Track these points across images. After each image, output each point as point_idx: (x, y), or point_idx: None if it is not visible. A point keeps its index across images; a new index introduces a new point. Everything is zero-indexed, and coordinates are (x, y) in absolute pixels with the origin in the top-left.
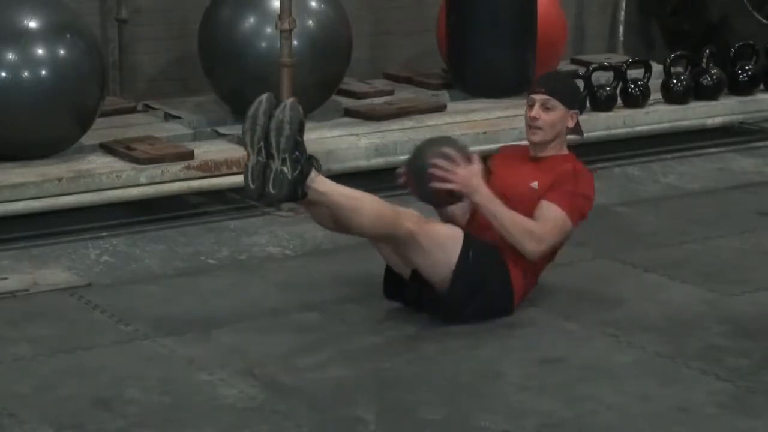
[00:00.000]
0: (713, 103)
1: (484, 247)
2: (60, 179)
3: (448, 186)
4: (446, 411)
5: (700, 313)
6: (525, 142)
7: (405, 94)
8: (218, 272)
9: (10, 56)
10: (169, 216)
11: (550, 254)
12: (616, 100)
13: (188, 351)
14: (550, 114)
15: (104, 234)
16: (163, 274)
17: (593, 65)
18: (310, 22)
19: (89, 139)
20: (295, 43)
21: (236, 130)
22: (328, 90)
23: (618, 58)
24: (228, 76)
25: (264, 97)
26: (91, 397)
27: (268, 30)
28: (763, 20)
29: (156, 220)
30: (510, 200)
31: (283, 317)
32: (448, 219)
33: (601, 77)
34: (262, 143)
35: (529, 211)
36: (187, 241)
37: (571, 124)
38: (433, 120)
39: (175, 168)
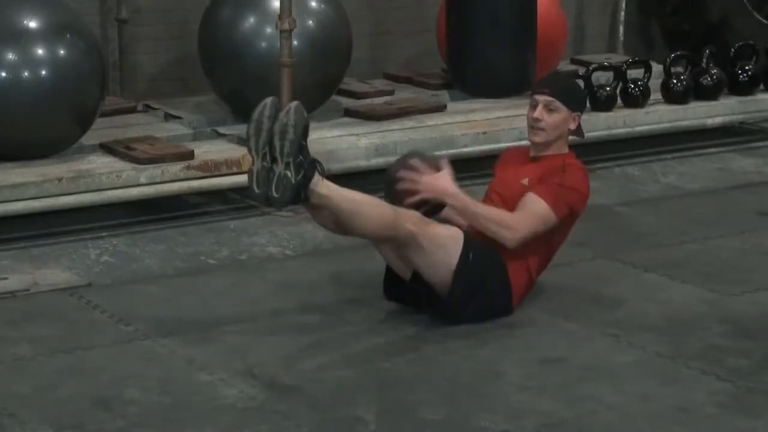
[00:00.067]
0: (713, 103)
1: (484, 248)
2: (60, 179)
3: (417, 196)
4: (446, 411)
5: (700, 313)
6: (525, 143)
7: (405, 94)
8: (218, 272)
9: (10, 56)
10: (169, 216)
11: (545, 252)
12: (616, 100)
13: (188, 351)
14: (553, 116)
15: (104, 234)
16: (163, 274)
17: (593, 65)
18: (310, 22)
19: (89, 139)
20: (295, 43)
21: (236, 130)
22: (328, 90)
23: (618, 58)
24: (228, 76)
25: (268, 101)
26: (91, 397)
27: (268, 30)
28: (763, 20)
29: (156, 220)
30: (505, 199)
31: (283, 317)
32: (446, 221)
33: (601, 77)
34: (267, 148)
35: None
36: (187, 241)
37: (573, 126)
38: (433, 120)
39: (175, 168)
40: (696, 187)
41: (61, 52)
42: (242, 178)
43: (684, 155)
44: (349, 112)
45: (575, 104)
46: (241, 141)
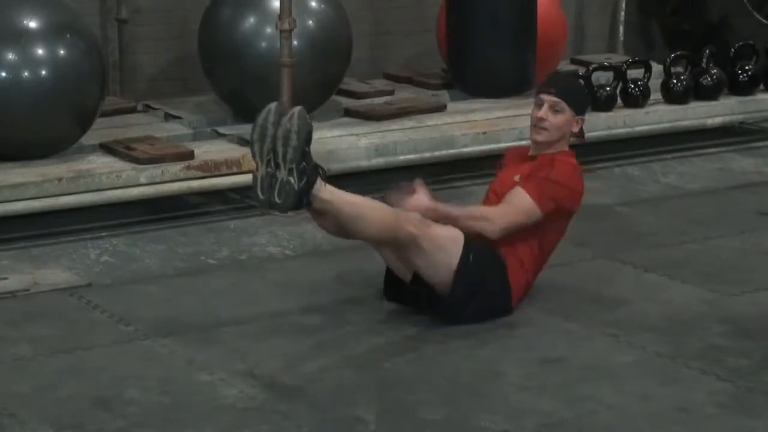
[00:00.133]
0: (713, 103)
1: (484, 248)
2: (60, 179)
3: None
4: (446, 411)
5: (700, 313)
6: (526, 143)
7: (405, 94)
8: (218, 272)
9: (10, 56)
10: (169, 216)
11: (541, 251)
12: (616, 100)
13: (188, 351)
14: (558, 117)
15: (104, 234)
16: (163, 274)
17: (593, 65)
18: (310, 22)
19: (89, 139)
20: (295, 43)
21: (236, 130)
22: (328, 90)
23: (618, 58)
24: (228, 76)
25: (272, 106)
26: (91, 397)
27: (268, 30)
28: (763, 20)
29: (156, 220)
30: (500, 198)
31: (283, 317)
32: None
33: (601, 77)
34: (271, 154)
35: None
36: (187, 241)
37: (575, 129)
38: (433, 120)
39: (175, 168)
40: (696, 187)
41: (61, 52)
42: (242, 178)
43: (684, 155)
44: (349, 112)
45: (580, 107)
46: (242, 141)
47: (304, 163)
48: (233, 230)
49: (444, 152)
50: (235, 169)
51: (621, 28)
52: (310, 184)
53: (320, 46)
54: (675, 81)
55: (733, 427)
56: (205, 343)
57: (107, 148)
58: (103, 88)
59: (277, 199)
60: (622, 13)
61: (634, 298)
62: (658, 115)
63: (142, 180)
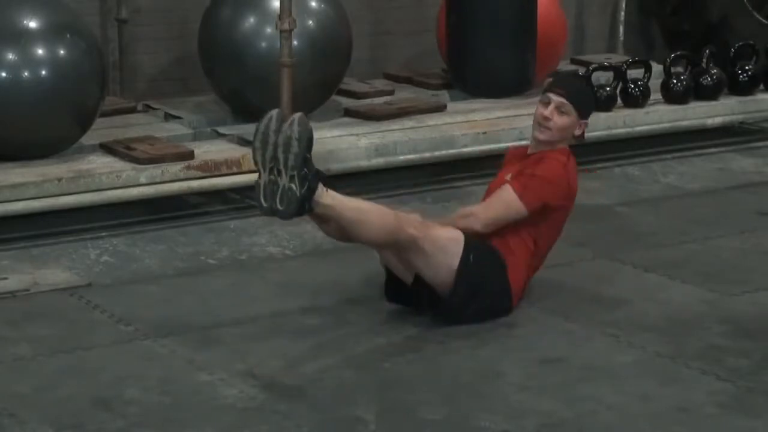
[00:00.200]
0: (713, 103)
1: (484, 249)
2: (60, 179)
3: None
4: (446, 411)
5: (700, 313)
6: (526, 142)
7: (405, 94)
8: (218, 272)
9: (10, 56)
10: (169, 216)
11: (537, 250)
12: (616, 100)
13: (188, 351)
14: (563, 118)
15: (104, 234)
16: (163, 274)
17: (593, 65)
18: (310, 22)
19: (89, 139)
20: (295, 43)
21: (236, 130)
22: (328, 90)
23: (618, 58)
24: (228, 76)
25: (274, 113)
26: (91, 397)
27: (268, 30)
28: (763, 20)
29: (156, 220)
30: (491, 194)
31: (283, 317)
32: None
33: (601, 77)
34: (273, 162)
35: None
36: (187, 241)
37: (578, 132)
38: (433, 120)
39: (175, 168)
40: (696, 187)
41: (61, 52)
42: (242, 178)
43: (684, 155)
44: (349, 112)
45: (586, 111)
46: (242, 141)
47: (305, 170)
48: (233, 230)
49: (444, 152)
50: (235, 169)
51: (621, 28)
52: (312, 191)
53: (320, 46)
54: (675, 81)
55: (733, 427)
56: (205, 343)
57: (107, 148)
58: (103, 88)
59: (279, 206)
60: (622, 13)
61: (634, 298)
62: (658, 115)
63: (142, 180)
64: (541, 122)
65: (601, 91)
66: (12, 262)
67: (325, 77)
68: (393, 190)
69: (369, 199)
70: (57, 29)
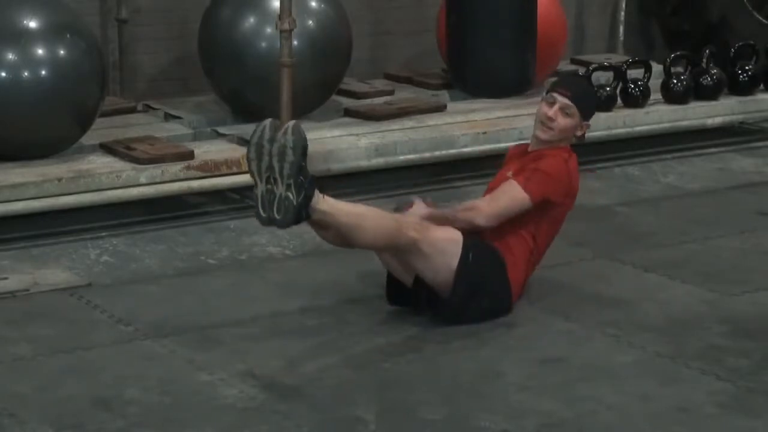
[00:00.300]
0: (713, 103)
1: (483, 248)
2: (60, 179)
3: None
4: (446, 411)
5: (700, 313)
6: (526, 142)
7: (405, 94)
8: (218, 272)
9: (10, 56)
10: (169, 216)
11: (535, 248)
12: (616, 100)
13: (188, 351)
14: (567, 120)
15: (104, 234)
16: (163, 274)
17: (593, 65)
18: (310, 22)
19: (89, 139)
20: (295, 43)
21: (236, 130)
22: (328, 90)
23: (618, 58)
24: (228, 76)
25: (267, 123)
26: (91, 397)
27: (268, 30)
28: (763, 20)
29: (156, 220)
30: (492, 191)
31: (284, 317)
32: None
33: (601, 77)
34: (269, 171)
35: None
36: (187, 241)
37: (579, 134)
38: (433, 120)
39: (175, 168)
40: (696, 187)
41: (61, 52)
42: (242, 178)
43: (684, 155)
44: (349, 112)
45: (589, 114)
46: (242, 141)
47: (301, 177)
48: (233, 230)
49: (444, 152)
50: (235, 169)
51: (621, 28)
52: (309, 198)
53: (320, 46)
54: (675, 81)
55: (733, 427)
56: (205, 343)
57: (107, 148)
58: (103, 88)
59: (276, 215)
60: (622, 13)
61: (634, 298)
62: (658, 115)
63: (142, 180)
64: (544, 121)
65: (601, 91)
66: (12, 262)
67: (325, 77)
68: (393, 190)
69: (369, 199)
70: (57, 29)
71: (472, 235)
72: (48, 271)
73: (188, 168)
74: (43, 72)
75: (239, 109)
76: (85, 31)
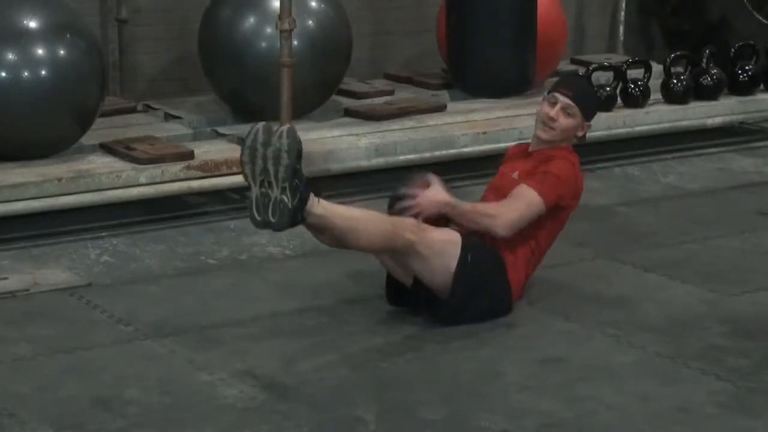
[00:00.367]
0: (713, 103)
1: (482, 248)
2: (60, 179)
3: (422, 216)
4: (446, 411)
5: (700, 313)
6: (526, 141)
7: (405, 94)
8: (218, 272)
9: (10, 56)
10: (169, 216)
11: (537, 248)
12: (616, 100)
13: (188, 351)
14: (568, 120)
15: (104, 234)
16: (163, 274)
17: (593, 65)
18: (310, 22)
19: (89, 139)
20: (295, 43)
21: (236, 130)
22: (328, 90)
23: (618, 58)
24: (228, 76)
25: (260, 126)
26: (91, 397)
27: (268, 30)
28: (763, 20)
29: (156, 220)
30: (496, 191)
31: (283, 317)
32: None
33: (601, 77)
34: (263, 175)
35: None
36: (187, 241)
37: (580, 134)
38: (433, 120)
39: (175, 168)
40: (696, 187)
41: (61, 52)
42: (242, 179)
43: (684, 155)
44: (349, 112)
45: (590, 114)
46: (242, 141)
47: (296, 181)
48: (233, 230)
49: (444, 152)
50: (235, 169)
51: (621, 28)
52: (304, 201)
53: (320, 46)
54: (675, 81)
55: (733, 427)
56: (205, 343)
57: (107, 148)
58: (103, 88)
59: (271, 218)
60: (622, 13)
61: (634, 298)
62: (658, 115)
63: (142, 180)
64: (546, 122)
65: (601, 91)
66: (12, 262)
67: (325, 77)
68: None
69: (369, 199)
70: (57, 29)
71: (472, 235)
72: (48, 271)
73: (188, 168)
74: (43, 72)
75: (239, 109)
76: (85, 31)
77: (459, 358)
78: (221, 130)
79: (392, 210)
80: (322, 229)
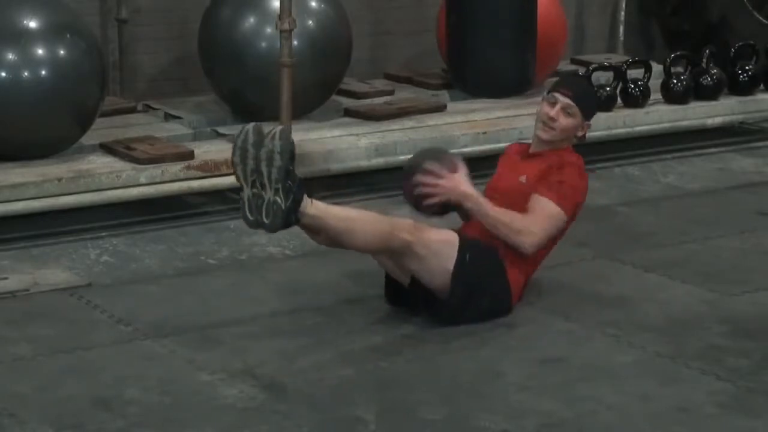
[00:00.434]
0: (713, 103)
1: (481, 248)
2: (60, 179)
3: (437, 199)
4: (446, 411)
5: (700, 313)
6: (526, 141)
7: (405, 94)
8: (218, 272)
9: (10, 56)
10: (169, 216)
11: (546, 248)
12: (616, 100)
13: (188, 351)
14: (569, 120)
15: (104, 234)
16: (163, 274)
17: (593, 65)
18: (310, 22)
19: (89, 139)
20: (295, 43)
21: (236, 130)
22: (328, 90)
23: (618, 58)
24: (228, 76)
25: (250, 127)
26: (91, 397)
27: (268, 30)
28: (763, 20)
29: (156, 220)
30: (502, 195)
31: (283, 317)
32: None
33: (601, 77)
34: (255, 175)
35: (518, 205)
36: (187, 241)
37: (581, 133)
38: (433, 120)
39: (175, 168)
40: (696, 187)
41: (61, 52)
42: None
43: (684, 155)
44: (349, 112)
45: (590, 113)
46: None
47: (289, 182)
48: (233, 230)
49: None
50: None
51: (621, 28)
52: (297, 202)
53: (320, 46)
54: (675, 81)
55: (733, 427)
56: (205, 343)
57: (107, 148)
58: (103, 88)
59: (265, 219)
60: (622, 13)
61: (634, 298)
62: (658, 115)
63: (142, 180)
64: (546, 122)
65: (601, 91)
66: (12, 262)
67: (325, 77)
68: (393, 190)
69: (369, 199)
70: (57, 29)
71: (471, 235)
72: (48, 271)
73: (188, 168)
74: (43, 72)
75: (239, 109)
76: (85, 31)
77: (459, 358)
78: (221, 130)
79: (408, 181)
80: (317, 230)
